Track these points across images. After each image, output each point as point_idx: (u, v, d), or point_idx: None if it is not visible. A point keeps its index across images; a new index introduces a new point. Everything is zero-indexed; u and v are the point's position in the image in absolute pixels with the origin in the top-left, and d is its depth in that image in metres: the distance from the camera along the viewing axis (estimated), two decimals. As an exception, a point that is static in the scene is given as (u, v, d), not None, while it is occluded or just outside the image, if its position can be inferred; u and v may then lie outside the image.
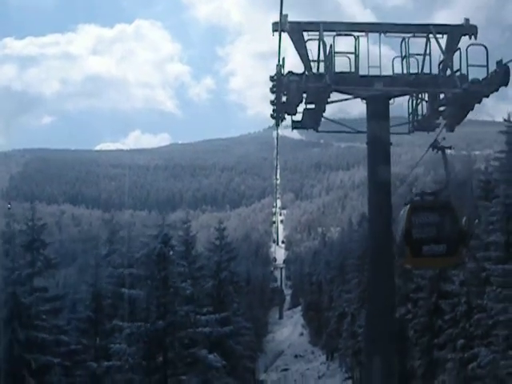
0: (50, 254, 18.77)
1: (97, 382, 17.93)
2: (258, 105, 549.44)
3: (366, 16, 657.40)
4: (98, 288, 21.49)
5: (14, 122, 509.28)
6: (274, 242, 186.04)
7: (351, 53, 9.07)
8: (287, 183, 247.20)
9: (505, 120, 23.49)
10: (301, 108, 9.79)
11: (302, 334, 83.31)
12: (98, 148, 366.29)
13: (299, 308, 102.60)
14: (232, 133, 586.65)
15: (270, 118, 10.08)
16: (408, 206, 9.28)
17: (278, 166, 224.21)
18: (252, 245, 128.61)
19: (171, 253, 18.15)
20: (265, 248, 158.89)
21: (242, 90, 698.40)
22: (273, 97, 9.43)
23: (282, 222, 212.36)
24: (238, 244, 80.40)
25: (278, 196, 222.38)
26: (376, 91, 8.95)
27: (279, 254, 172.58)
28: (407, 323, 26.95)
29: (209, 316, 19.32)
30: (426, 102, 9.78)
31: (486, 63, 8.93)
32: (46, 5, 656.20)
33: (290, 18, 9.12)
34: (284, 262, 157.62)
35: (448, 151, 9.79)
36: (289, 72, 9.03)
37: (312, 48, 9.37)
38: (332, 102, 9.21)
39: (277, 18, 8.83)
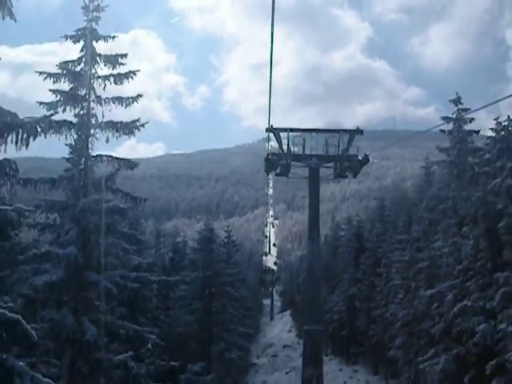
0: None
1: (169, 309, 30.91)
2: (253, 116, 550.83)
3: (363, 30, 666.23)
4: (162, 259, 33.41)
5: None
6: (265, 254, 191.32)
7: (301, 144, 19.62)
8: (280, 194, 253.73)
9: (424, 158, 33.01)
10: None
11: (290, 331, 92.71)
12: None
13: (289, 312, 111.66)
14: (227, 143, 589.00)
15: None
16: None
17: (271, 183, 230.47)
18: (245, 253, 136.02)
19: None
20: (257, 256, 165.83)
21: (237, 101, 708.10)
22: (265, 162, 20.00)
23: (273, 226, 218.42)
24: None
25: (270, 207, 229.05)
26: (313, 164, 19.51)
27: (271, 262, 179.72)
28: (355, 297, 37.91)
29: (231, 270, 35.37)
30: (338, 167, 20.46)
31: (366, 150, 19.63)
32: (43, 14, 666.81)
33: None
34: (275, 264, 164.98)
35: None
36: (273, 153, 19.59)
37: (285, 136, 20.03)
38: (293, 167, 19.80)
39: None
